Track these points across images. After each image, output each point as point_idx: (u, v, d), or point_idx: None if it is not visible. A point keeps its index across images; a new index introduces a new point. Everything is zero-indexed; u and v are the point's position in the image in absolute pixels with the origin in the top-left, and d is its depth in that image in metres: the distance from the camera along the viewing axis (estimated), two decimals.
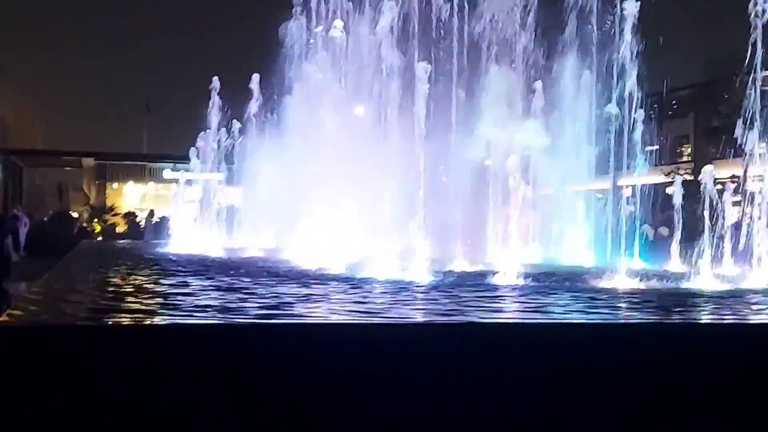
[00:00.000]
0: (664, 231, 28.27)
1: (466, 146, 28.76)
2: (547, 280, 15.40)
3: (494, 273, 15.83)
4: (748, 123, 21.47)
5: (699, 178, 19.45)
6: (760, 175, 22.49)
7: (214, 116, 35.09)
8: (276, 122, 32.97)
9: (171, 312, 9.33)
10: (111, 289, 11.75)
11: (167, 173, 45.74)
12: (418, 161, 19.57)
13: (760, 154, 21.65)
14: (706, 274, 16.57)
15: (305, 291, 12.00)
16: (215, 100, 34.66)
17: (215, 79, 34.28)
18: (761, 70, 21.72)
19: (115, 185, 60.41)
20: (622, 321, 9.61)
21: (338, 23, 27.34)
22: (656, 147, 48.72)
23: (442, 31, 27.12)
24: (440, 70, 28.40)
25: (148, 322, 8.72)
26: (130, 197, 58.51)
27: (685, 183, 26.91)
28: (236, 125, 35.67)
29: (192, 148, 36.08)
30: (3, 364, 6.95)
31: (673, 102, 57.24)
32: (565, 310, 10.27)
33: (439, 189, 26.84)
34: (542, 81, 27.01)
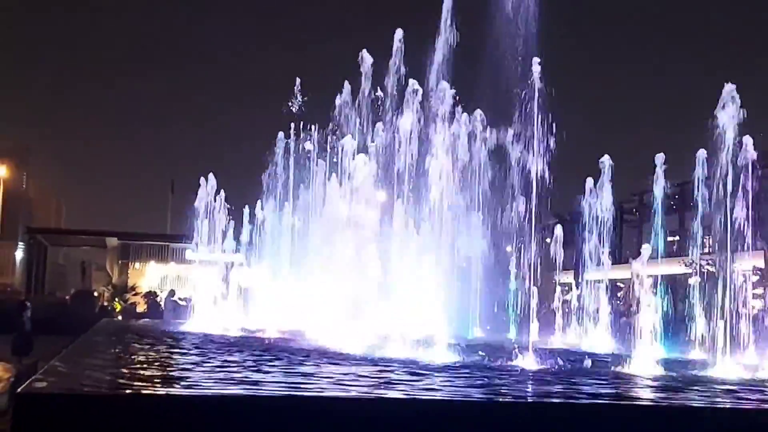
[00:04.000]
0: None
1: (487, 233, 28.94)
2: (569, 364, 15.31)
3: (517, 355, 15.77)
4: None
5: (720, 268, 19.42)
6: None
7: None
8: (296, 205, 33.61)
9: (186, 383, 9.40)
10: (127, 362, 11.83)
11: (189, 254, 46.02)
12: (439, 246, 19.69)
13: None
14: (727, 362, 16.40)
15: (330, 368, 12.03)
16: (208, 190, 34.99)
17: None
18: None
19: (138, 265, 60.81)
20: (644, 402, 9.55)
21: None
22: (677, 238, 48.62)
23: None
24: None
25: (162, 392, 8.77)
26: (152, 277, 58.78)
27: (705, 274, 26.81)
28: (258, 208, 36.05)
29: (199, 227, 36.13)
30: (25, 429, 7.05)
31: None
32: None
33: (459, 274, 26.91)
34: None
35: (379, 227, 27.18)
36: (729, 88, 20.42)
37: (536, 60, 19.39)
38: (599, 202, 28.47)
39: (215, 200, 35.14)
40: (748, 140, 21.91)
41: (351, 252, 24.95)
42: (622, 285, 36.61)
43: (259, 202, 36.06)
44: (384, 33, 28.78)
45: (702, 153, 22.84)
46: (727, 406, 9.63)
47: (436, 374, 11.85)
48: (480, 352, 17.03)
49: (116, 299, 50.66)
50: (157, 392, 8.68)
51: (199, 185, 34.77)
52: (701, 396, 10.44)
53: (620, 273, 33.18)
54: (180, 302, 40.48)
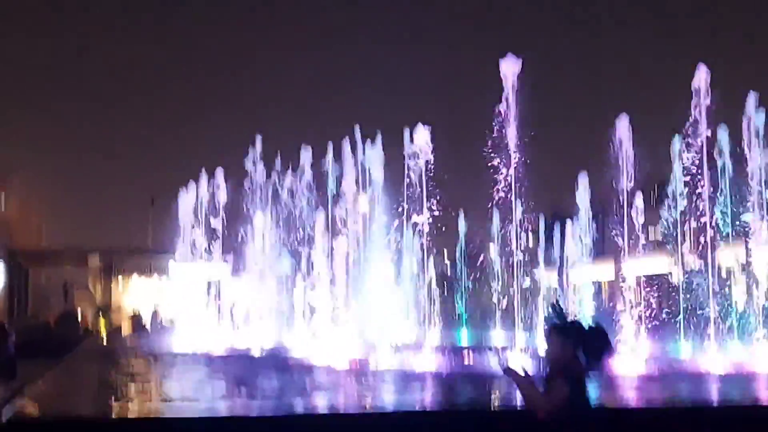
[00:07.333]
0: None
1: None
2: None
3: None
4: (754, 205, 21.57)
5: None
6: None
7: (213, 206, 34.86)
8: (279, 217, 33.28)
9: (172, 406, 9.30)
10: (112, 385, 11.72)
11: (172, 266, 45.61)
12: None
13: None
14: (715, 356, 16.48)
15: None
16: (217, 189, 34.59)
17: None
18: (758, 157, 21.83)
19: (121, 281, 60.39)
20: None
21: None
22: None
23: None
24: None
25: (151, 416, 8.69)
26: (136, 293, 58.37)
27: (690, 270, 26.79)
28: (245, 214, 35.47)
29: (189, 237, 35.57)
30: None
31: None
32: None
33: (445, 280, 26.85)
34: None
35: (362, 234, 27.06)
36: (702, 71, 19.95)
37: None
38: (581, 198, 28.26)
39: (196, 210, 34.84)
40: (723, 129, 21.84)
41: (337, 262, 24.82)
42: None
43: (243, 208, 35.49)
44: None
45: (678, 141, 22.35)
46: (716, 405, 9.66)
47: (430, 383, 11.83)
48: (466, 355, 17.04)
49: (101, 320, 50.25)
50: (147, 417, 8.60)
51: (178, 196, 34.44)
52: (693, 394, 10.47)
53: (603, 269, 33.11)
54: (164, 321, 40.16)
